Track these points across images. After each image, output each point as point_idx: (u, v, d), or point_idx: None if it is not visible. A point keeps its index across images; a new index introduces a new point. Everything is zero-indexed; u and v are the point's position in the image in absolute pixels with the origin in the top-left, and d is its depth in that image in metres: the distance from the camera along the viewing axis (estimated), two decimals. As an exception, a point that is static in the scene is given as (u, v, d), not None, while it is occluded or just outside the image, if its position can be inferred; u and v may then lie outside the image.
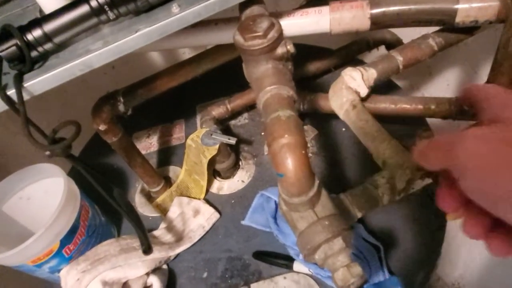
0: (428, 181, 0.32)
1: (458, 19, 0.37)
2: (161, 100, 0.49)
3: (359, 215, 0.31)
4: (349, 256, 0.25)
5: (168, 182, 0.57)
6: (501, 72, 0.37)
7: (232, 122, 0.62)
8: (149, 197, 0.57)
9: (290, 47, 0.28)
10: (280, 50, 0.28)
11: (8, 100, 0.29)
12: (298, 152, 0.24)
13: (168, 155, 0.62)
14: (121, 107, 0.43)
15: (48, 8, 0.38)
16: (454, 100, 0.41)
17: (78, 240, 0.45)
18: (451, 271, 1.06)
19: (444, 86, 0.71)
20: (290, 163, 0.24)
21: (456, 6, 0.37)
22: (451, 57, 0.62)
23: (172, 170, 0.59)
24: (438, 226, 0.42)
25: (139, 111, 0.47)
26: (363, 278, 0.24)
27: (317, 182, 0.26)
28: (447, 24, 0.38)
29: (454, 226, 0.96)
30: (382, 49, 0.61)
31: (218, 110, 0.57)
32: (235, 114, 0.60)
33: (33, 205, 0.50)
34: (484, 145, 0.19)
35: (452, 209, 0.23)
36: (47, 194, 0.50)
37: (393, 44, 0.58)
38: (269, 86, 0.27)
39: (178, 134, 0.64)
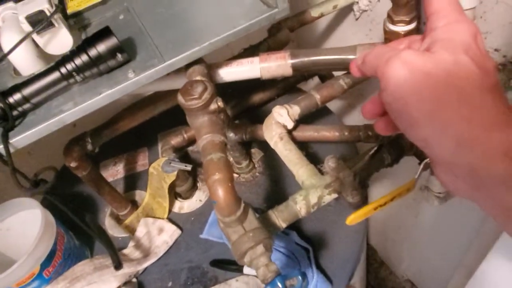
0: (335, 196, 0.42)
1: (357, 66, 0.48)
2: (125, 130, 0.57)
3: (283, 225, 0.41)
4: (268, 257, 0.34)
5: (134, 205, 0.64)
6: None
7: (190, 148, 0.70)
8: (118, 220, 0.64)
9: (220, 103, 0.37)
10: (212, 106, 0.37)
11: (-3, 154, 0.36)
12: (226, 185, 0.33)
13: (134, 180, 0.69)
14: (89, 147, 0.51)
15: (23, 70, 0.46)
16: (362, 127, 0.52)
17: (56, 263, 0.51)
18: (399, 265, 1.19)
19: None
20: (220, 193, 0.33)
21: (353, 57, 0.47)
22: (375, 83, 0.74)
23: (138, 194, 0.67)
24: (356, 229, 0.52)
25: (106, 142, 0.55)
26: (278, 273, 0.33)
27: (243, 205, 0.35)
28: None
29: (398, 225, 1.08)
30: (316, 79, 0.72)
31: (176, 139, 0.65)
32: (192, 141, 0.69)
33: (12, 235, 0.56)
34: (408, 72, 0.22)
35: (370, 114, 0.28)
36: (24, 224, 0.56)
37: (324, 76, 0.68)
38: (204, 134, 0.36)
39: (142, 161, 0.72)
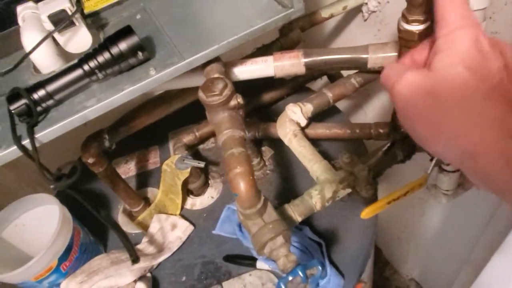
0: (348, 190, 0.43)
1: (369, 65, 0.49)
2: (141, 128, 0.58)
3: (299, 219, 0.42)
4: (288, 248, 0.35)
5: (147, 202, 0.66)
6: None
7: (201, 146, 0.71)
8: (131, 216, 0.65)
9: (240, 100, 0.38)
10: (232, 103, 0.38)
11: (24, 149, 0.37)
12: (247, 178, 0.34)
13: (146, 178, 0.71)
14: (107, 143, 0.52)
15: (43, 68, 0.47)
16: (373, 125, 0.53)
17: (72, 258, 0.52)
18: (404, 264, 1.20)
19: (379, 104, 0.84)
20: (242, 186, 0.34)
21: (366, 56, 0.48)
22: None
23: (150, 191, 0.68)
24: (367, 224, 0.53)
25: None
26: (297, 263, 0.34)
27: (262, 198, 0.36)
28: (362, 68, 0.50)
29: (403, 225, 1.09)
30: (325, 78, 0.73)
31: (188, 137, 0.66)
32: (203, 139, 0.70)
33: (28, 230, 0.57)
34: (410, 94, 0.24)
35: None
36: (40, 220, 0.57)
37: (333, 75, 0.70)
38: (225, 130, 0.37)
39: (153, 159, 0.73)
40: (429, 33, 0.37)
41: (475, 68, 0.22)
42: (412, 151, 0.46)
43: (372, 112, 0.87)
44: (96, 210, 0.46)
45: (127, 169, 0.73)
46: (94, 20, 0.54)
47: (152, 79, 0.40)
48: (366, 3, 0.66)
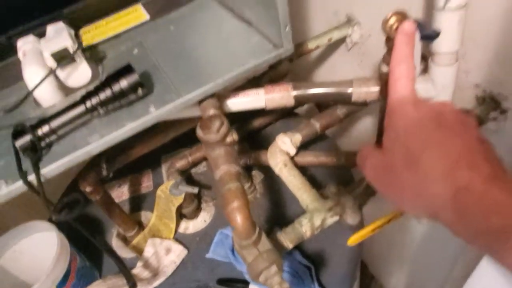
0: (336, 218, 0.46)
1: (353, 99, 0.52)
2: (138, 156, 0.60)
3: (290, 246, 0.44)
4: (281, 276, 0.37)
5: (140, 226, 0.67)
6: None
7: (193, 170, 0.74)
8: (125, 240, 0.67)
9: (235, 136, 0.41)
10: (228, 139, 0.41)
11: (30, 185, 0.39)
12: (243, 212, 0.37)
13: (139, 202, 0.72)
14: (104, 172, 0.54)
15: (43, 101, 0.49)
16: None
17: (70, 284, 0.54)
18: (389, 279, 1.23)
19: (364, 129, 0.88)
20: (238, 220, 0.37)
21: (350, 91, 0.52)
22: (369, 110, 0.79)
23: (144, 215, 0.70)
24: (353, 248, 0.56)
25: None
26: (290, 290, 0.36)
27: (257, 229, 0.39)
28: (347, 101, 0.54)
29: (388, 241, 1.13)
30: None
31: (181, 162, 0.69)
32: (196, 163, 0.72)
33: (24, 257, 0.58)
34: (374, 174, 0.31)
35: None
36: (37, 247, 0.58)
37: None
38: (222, 165, 0.40)
39: (146, 183, 0.75)
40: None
41: (413, 137, 0.28)
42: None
43: (357, 138, 0.91)
44: (93, 237, 0.48)
45: (121, 193, 0.74)
46: (92, 53, 0.56)
47: (152, 116, 0.43)
48: (350, 35, 0.70)
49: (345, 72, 0.79)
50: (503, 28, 0.44)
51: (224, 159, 0.40)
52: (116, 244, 0.66)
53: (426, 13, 0.50)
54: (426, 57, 0.52)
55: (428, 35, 0.39)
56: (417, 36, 0.38)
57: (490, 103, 0.50)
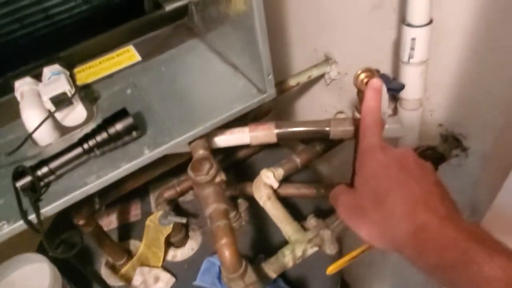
0: (316, 249, 0.50)
1: (331, 136, 0.57)
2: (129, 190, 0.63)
3: (274, 275, 0.48)
4: (265, 306, 0.41)
5: (129, 254, 0.69)
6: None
7: (181, 199, 0.77)
8: (114, 269, 0.69)
9: (223, 177, 0.45)
10: (217, 180, 0.45)
11: (30, 224, 0.42)
12: (231, 248, 0.40)
13: (127, 230, 0.74)
14: (97, 206, 0.57)
15: (41, 140, 0.52)
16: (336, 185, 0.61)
17: (61, 315, 0.56)
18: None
19: (343, 159, 0.93)
20: (227, 255, 0.40)
21: (328, 129, 0.57)
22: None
23: (132, 244, 0.72)
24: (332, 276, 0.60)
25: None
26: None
27: (244, 263, 0.42)
28: (325, 138, 0.59)
29: (368, 261, 1.17)
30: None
31: (169, 192, 0.72)
32: (183, 193, 0.75)
33: (16, 289, 0.60)
34: (345, 213, 0.35)
35: None
36: (28, 279, 0.59)
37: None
38: (211, 203, 0.43)
39: (134, 211, 0.77)
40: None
41: (380, 180, 0.32)
42: (368, 213, 0.54)
43: (336, 165, 0.96)
44: (85, 268, 0.50)
45: (109, 222, 0.76)
46: (86, 93, 0.59)
47: (146, 157, 0.47)
48: (328, 73, 0.76)
49: (324, 105, 0.85)
50: (459, 77, 0.50)
51: (213, 198, 0.44)
52: (105, 273, 0.68)
53: (395, 63, 0.56)
54: (396, 99, 0.58)
55: (394, 88, 0.44)
56: (384, 88, 0.44)
57: (452, 141, 0.56)
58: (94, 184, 0.45)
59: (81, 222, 0.56)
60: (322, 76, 0.79)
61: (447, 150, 0.56)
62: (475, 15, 0.43)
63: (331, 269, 0.48)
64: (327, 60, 0.75)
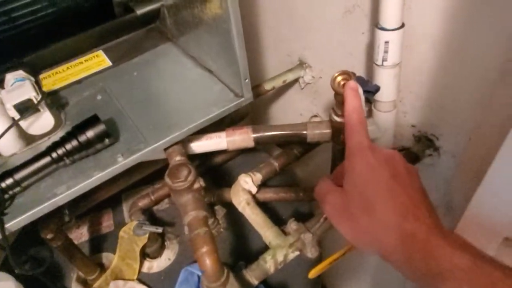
0: (297, 253, 0.49)
1: (308, 140, 0.57)
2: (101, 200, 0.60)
3: (256, 282, 0.47)
4: (249, 314, 0.40)
5: (102, 268, 0.66)
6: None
7: (155, 207, 0.74)
8: (85, 284, 0.65)
9: (202, 183, 0.44)
10: (195, 186, 0.43)
11: (-6, 239, 0.39)
12: (212, 256, 0.39)
13: (100, 242, 0.71)
14: (66, 218, 0.54)
15: (4, 151, 0.49)
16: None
17: (29, 336, 0.52)
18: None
19: (319, 161, 0.94)
20: (208, 263, 0.39)
21: (305, 132, 0.57)
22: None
23: (105, 257, 0.69)
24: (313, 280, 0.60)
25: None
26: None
27: (225, 271, 0.41)
28: (303, 141, 0.59)
29: (346, 265, 1.18)
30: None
31: (143, 201, 0.69)
32: (158, 201, 0.73)
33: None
34: (332, 211, 0.34)
35: None
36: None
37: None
38: (190, 211, 0.42)
39: (107, 222, 0.74)
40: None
41: (369, 184, 0.32)
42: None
43: (313, 171, 0.96)
44: (54, 284, 0.47)
45: (80, 234, 0.73)
46: (53, 99, 0.57)
47: (120, 165, 0.45)
48: (303, 77, 0.76)
49: (300, 108, 0.85)
50: (430, 80, 0.51)
51: (192, 205, 0.42)
52: (76, 288, 0.65)
53: (368, 67, 0.57)
54: (370, 101, 0.59)
55: (370, 90, 0.45)
56: (360, 90, 0.44)
57: (425, 142, 0.57)
58: (64, 195, 0.42)
59: (49, 236, 0.53)
60: (296, 80, 0.79)
61: (420, 150, 0.57)
62: (442, 22, 0.45)
63: (313, 273, 0.48)
64: (301, 64, 0.76)
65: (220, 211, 0.73)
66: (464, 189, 0.52)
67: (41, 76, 0.60)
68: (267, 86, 0.73)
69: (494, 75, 0.43)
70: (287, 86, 0.84)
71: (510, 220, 0.34)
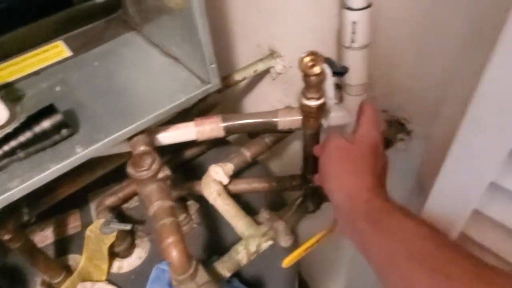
0: (270, 242, 0.48)
1: (280, 127, 0.56)
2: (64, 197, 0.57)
3: (228, 275, 0.45)
4: (219, 306, 0.38)
5: (68, 270, 0.63)
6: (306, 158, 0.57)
7: (125, 206, 0.71)
8: (51, 288, 0.62)
9: (167, 172, 0.42)
10: (161, 175, 0.41)
11: None
12: (179, 247, 0.37)
13: (66, 244, 0.68)
14: (26, 217, 0.50)
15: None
16: (288, 178, 0.59)
17: None
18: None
19: (291, 154, 0.93)
20: (174, 255, 0.37)
21: (276, 120, 0.55)
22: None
23: (72, 259, 0.65)
24: (289, 269, 0.59)
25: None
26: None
27: (194, 262, 0.39)
28: (274, 129, 0.57)
29: (322, 258, 1.18)
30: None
31: (110, 199, 0.66)
32: (127, 199, 0.70)
33: None
34: (328, 156, 0.40)
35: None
36: None
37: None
38: (155, 201, 0.40)
39: (73, 223, 0.70)
40: (323, 107, 0.46)
41: (371, 146, 0.38)
42: (321, 202, 0.53)
43: (286, 159, 0.95)
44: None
45: (44, 237, 0.69)
46: (8, 92, 0.53)
47: (79, 156, 0.42)
48: (274, 67, 0.75)
49: (271, 100, 0.84)
50: (399, 63, 0.51)
51: (157, 195, 0.40)
52: (41, 293, 0.61)
53: (338, 49, 0.56)
54: (340, 87, 0.58)
55: (338, 72, 0.44)
56: (329, 72, 0.43)
57: (397, 126, 0.57)
58: (17, 189, 0.39)
59: (6, 237, 0.49)
60: (268, 71, 0.78)
61: (393, 135, 0.57)
62: (410, 1, 0.44)
63: (287, 261, 0.46)
64: (272, 54, 0.74)
65: (193, 206, 0.70)
66: (435, 170, 0.52)
67: (-5, 68, 0.56)
68: (238, 76, 0.71)
69: (458, 51, 0.43)
70: (259, 78, 0.83)
71: (477, 192, 0.34)
